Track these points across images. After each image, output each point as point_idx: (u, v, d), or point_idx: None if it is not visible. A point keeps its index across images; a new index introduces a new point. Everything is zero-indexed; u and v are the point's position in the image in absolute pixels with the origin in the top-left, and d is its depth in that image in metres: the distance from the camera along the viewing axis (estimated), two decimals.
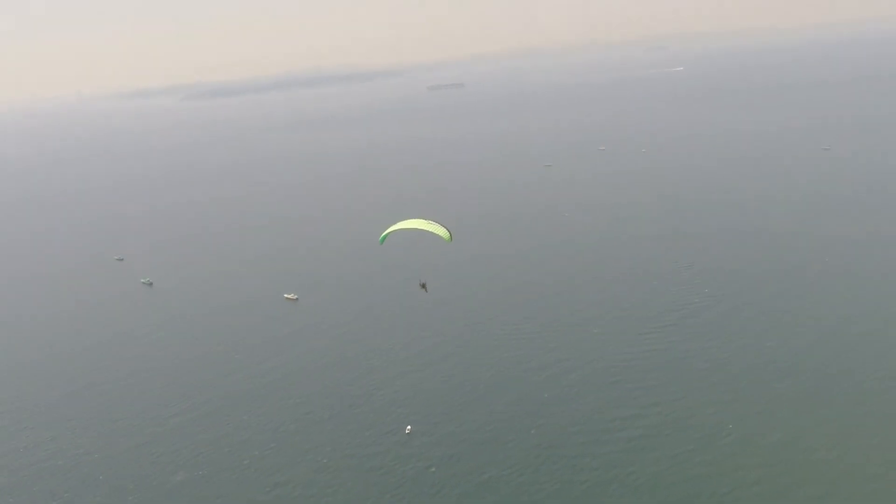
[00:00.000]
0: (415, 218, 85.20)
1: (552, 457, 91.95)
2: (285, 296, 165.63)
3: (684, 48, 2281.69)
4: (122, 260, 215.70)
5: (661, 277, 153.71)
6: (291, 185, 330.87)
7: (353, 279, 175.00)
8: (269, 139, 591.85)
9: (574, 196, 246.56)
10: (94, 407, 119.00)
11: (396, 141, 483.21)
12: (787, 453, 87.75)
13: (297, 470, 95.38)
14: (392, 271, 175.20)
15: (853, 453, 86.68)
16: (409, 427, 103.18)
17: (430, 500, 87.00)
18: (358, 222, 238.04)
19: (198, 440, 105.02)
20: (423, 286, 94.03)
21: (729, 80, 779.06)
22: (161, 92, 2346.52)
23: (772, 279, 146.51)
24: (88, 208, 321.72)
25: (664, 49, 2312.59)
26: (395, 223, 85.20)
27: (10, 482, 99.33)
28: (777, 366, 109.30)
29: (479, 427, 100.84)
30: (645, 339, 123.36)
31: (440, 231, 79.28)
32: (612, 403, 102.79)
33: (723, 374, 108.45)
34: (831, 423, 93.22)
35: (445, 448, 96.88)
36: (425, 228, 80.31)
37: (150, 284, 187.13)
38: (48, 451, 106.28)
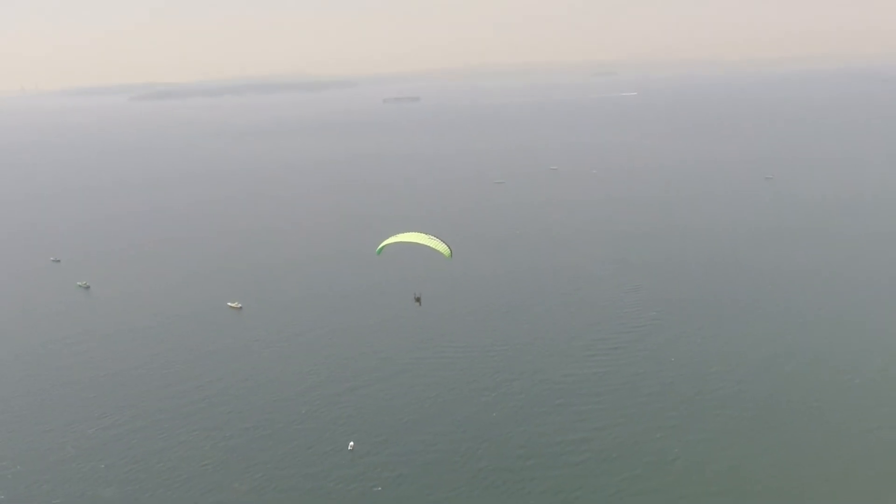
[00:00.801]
0: (414, 231, 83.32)
1: (498, 479, 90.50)
2: (229, 304, 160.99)
3: (632, 75, 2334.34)
4: (58, 261, 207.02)
5: (608, 300, 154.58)
6: (239, 193, 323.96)
7: (299, 289, 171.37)
8: (218, 145, 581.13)
9: (524, 215, 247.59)
10: (21, 418, 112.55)
11: (350, 152, 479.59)
12: (731, 481, 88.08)
13: (234, 489, 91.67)
14: (340, 283, 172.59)
15: (796, 481, 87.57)
16: (351, 444, 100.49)
17: None
18: (305, 233, 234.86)
19: (130, 455, 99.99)
20: (418, 300, 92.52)
21: (680, 107, 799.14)
22: (110, 91, 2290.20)
23: (716, 305, 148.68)
24: (24, 205, 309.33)
25: (614, 75, 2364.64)
26: (393, 235, 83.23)
27: None
28: (722, 392, 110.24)
29: (426, 446, 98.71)
30: (591, 361, 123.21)
31: (440, 247, 77.43)
32: (559, 426, 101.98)
33: (668, 398, 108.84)
34: (774, 450, 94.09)
35: (390, 467, 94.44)
36: (425, 243, 78.43)
37: (87, 288, 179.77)
38: None
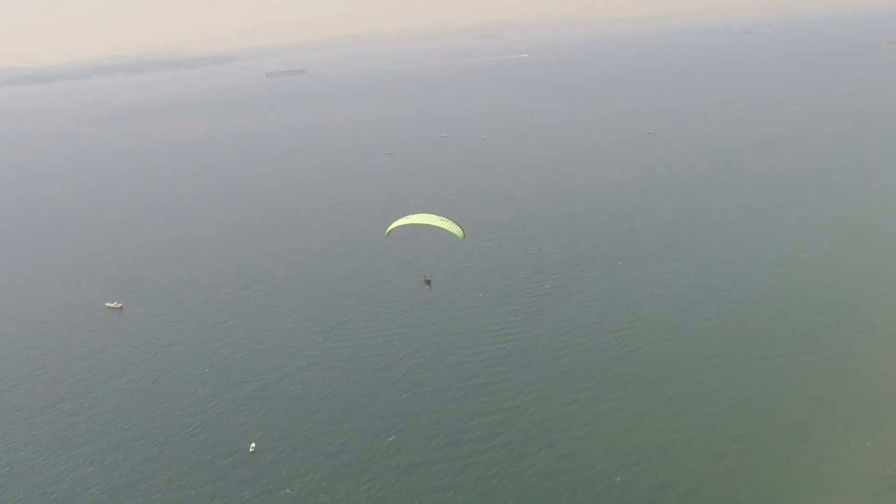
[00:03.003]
0: (427, 213, 78.46)
1: (415, 474, 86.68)
2: (107, 304, 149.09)
3: (517, 37, 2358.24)
4: None
5: (509, 267, 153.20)
6: (109, 183, 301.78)
7: (184, 284, 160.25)
8: (83, 131, 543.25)
9: (417, 185, 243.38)
10: None
11: (231, 132, 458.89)
12: (639, 436, 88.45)
13: None
14: (228, 274, 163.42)
15: (716, 435, 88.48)
16: (253, 445, 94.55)
17: None
18: (185, 222, 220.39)
19: None
20: (428, 282, 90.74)
21: (568, 67, 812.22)
22: None
23: (614, 263, 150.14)
24: None
25: (499, 38, 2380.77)
26: (402, 217, 78.35)
27: None
28: (621, 350, 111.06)
29: (336, 444, 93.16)
30: (500, 334, 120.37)
31: (454, 229, 73.49)
32: (474, 409, 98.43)
33: (579, 366, 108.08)
34: (692, 404, 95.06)
35: (295, 466, 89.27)
36: (438, 225, 74.13)
37: None
38: None
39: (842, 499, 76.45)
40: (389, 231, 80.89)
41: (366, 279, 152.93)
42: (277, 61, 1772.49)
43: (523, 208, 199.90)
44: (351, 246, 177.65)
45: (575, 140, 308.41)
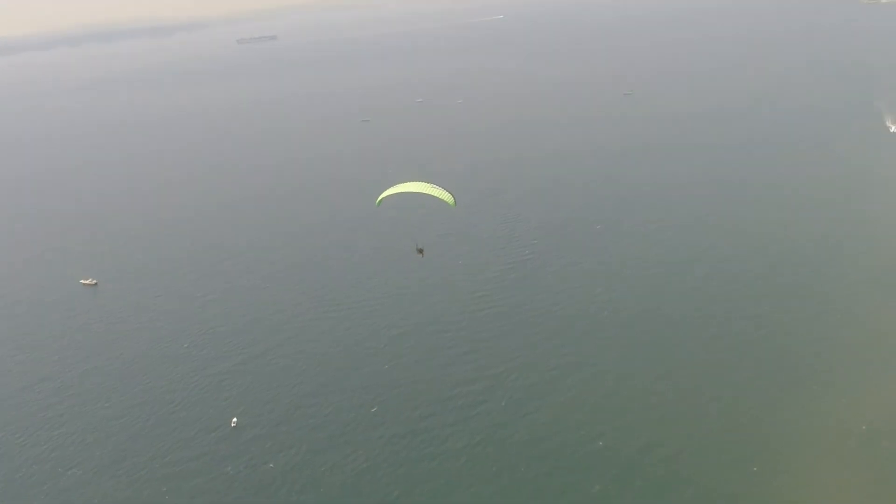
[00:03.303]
0: (416, 181, 77.50)
1: (394, 437, 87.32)
2: (82, 281, 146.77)
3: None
4: None
5: (489, 234, 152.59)
6: (79, 158, 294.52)
7: (158, 260, 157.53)
8: (51, 104, 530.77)
9: (393, 152, 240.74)
10: None
11: (204, 101, 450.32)
12: (621, 400, 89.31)
13: (106, 488, 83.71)
14: (204, 245, 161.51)
15: (697, 398, 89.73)
16: (234, 419, 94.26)
17: (269, 501, 79.69)
18: (159, 197, 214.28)
19: None
20: (420, 251, 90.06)
21: (547, 27, 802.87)
22: None
23: (592, 227, 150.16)
24: None
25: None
26: (392, 186, 77.10)
27: None
28: (602, 315, 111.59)
29: (320, 417, 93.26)
30: (481, 301, 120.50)
31: (444, 196, 72.71)
32: (458, 378, 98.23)
33: (560, 331, 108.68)
34: (674, 367, 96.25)
35: (278, 440, 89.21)
36: (429, 192, 73.57)
37: None
38: None
39: (821, 455, 77.84)
40: (380, 201, 79.87)
41: (344, 250, 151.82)
42: (249, 28, 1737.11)
43: (501, 174, 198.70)
44: (327, 216, 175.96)
45: (552, 102, 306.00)
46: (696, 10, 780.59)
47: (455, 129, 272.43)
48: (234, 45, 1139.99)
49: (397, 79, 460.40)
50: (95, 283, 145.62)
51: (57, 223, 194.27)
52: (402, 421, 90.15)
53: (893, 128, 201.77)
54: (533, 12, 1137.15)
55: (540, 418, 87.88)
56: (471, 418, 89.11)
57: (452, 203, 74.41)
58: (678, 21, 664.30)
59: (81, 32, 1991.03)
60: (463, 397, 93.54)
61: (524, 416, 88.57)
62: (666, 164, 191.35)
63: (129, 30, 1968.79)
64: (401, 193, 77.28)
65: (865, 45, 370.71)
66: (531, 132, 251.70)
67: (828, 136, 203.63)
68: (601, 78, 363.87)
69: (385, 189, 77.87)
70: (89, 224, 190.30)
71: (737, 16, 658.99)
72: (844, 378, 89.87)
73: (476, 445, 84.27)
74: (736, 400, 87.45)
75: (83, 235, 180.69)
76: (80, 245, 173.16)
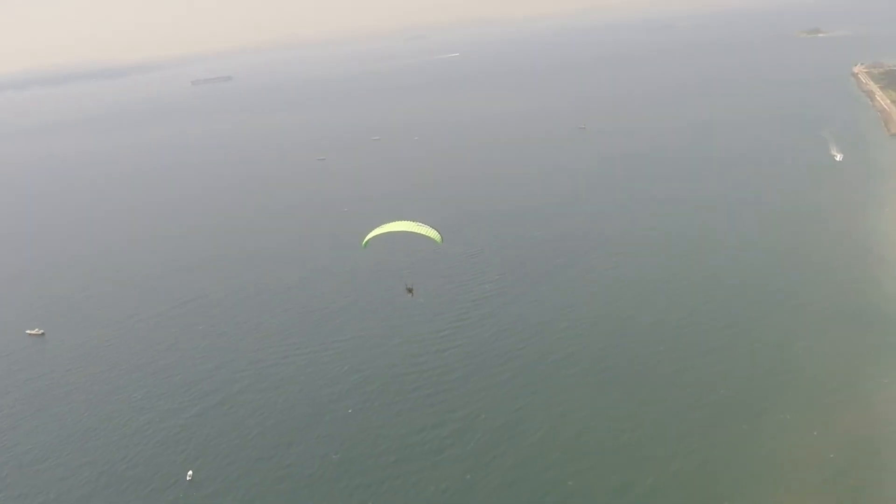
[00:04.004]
0: (401, 220, 76.15)
1: (359, 487, 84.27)
2: (27, 331, 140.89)
3: (442, 37, 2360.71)
4: None
5: (450, 270, 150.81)
6: (24, 203, 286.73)
7: (108, 307, 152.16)
8: None
9: (349, 190, 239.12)
10: None
11: (155, 143, 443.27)
12: (589, 439, 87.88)
13: None
14: (153, 294, 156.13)
15: (649, 428, 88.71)
16: (190, 472, 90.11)
17: None
18: (108, 243, 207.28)
19: None
20: (410, 290, 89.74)
21: (499, 64, 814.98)
22: None
23: (547, 261, 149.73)
24: None
25: (424, 38, 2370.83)
26: (377, 227, 76.05)
27: None
28: (568, 350, 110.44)
29: (280, 468, 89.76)
30: (442, 341, 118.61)
31: (431, 233, 71.00)
32: (422, 421, 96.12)
33: (520, 369, 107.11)
34: (632, 405, 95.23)
35: (238, 495, 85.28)
36: (414, 231, 72.48)
37: None
38: None
39: (792, 487, 77.27)
40: (366, 242, 78.28)
41: (302, 293, 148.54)
42: (203, 69, 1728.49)
43: (460, 209, 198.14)
44: (283, 259, 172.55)
45: (508, 136, 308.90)
46: (640, 48, 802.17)
47: (412, 165, 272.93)
48: (188, 86, 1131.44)
49: (354, 117, 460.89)
50: (42, 333, 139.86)
51: (1, 272, 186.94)
52: (367, 470, 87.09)
53: (838, 156, 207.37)
54: (484, 51, 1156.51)
55: (508, 461, 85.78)
56: (438, 464, 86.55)
57: (439, 240, 74.06)
58: (625, 59, 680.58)
59: (26, 77, 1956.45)
60: (429, 442, 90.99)
61: (492, 459, 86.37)
62: (623, 195, 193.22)
63: (78, 73, 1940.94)
64: (387, 234, 76.31)
65: (808, 78, 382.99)
66: (491, 165, 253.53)
67: (778, 169, 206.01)
68: (556, 112, 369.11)
69: (371, 230, 76.71)
70: (36, 272, 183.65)
71: (681, 54, 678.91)
72: (813, 405, 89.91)
73: (444, 493, 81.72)
74: (706, 435, 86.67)
75: (29, 284, 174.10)
76: (25, 293, 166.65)
